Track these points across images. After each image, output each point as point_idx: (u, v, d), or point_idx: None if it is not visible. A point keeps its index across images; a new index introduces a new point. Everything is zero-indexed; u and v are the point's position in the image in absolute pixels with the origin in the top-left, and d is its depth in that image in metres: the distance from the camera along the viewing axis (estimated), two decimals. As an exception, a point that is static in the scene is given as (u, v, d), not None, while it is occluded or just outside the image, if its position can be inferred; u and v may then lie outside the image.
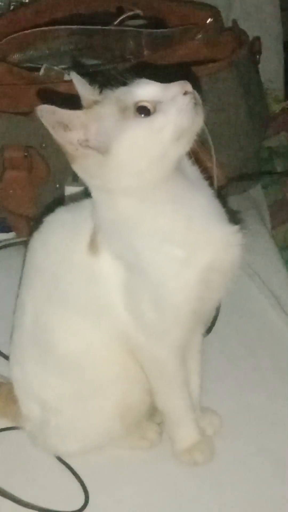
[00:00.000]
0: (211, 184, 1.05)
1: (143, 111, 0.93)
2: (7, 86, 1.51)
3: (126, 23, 1.71)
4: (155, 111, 0.93)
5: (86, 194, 1.03)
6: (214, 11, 1.67)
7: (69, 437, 1.10)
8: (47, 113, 0.93)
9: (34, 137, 1.44)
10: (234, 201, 1.57)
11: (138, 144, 0.93)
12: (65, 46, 1.68)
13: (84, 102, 0.99)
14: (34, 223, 1.42)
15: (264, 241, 1.51)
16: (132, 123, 0.93)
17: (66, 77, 1.54)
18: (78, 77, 1.01)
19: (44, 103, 0.93)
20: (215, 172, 1.22)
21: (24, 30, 1.67)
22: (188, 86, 0.94)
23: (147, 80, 0.96)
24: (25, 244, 1.16)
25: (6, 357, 1.21)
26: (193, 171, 1.03)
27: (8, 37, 1.65)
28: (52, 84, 1.50)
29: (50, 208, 1.10)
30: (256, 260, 1.42)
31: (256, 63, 1.68)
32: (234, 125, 1.54)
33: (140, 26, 1.71)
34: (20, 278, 1.12)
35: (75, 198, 1.14)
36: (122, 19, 1.71)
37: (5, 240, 1.57)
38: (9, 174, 1.48)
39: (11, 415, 1.15)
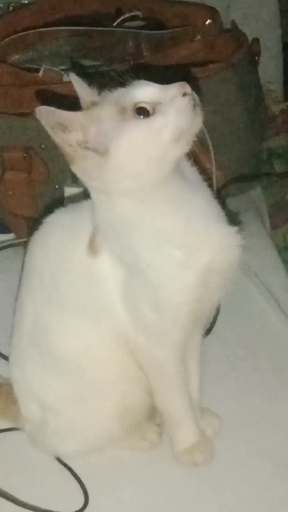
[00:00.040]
0: (210, 185, 1.05)
1: (142, 112, 0.93)
2: (7, 87, 1.51)
3: (125, 25, 1.71)
4: (154, 112, 0.93)
5: (85, 195, 1.03)
6: (213, 12, 1.66)
7: (69, 438, 1.10)
8: (46, 114, 0.93)
9: (34, 138, 1.44)
10: (234, 202, 1.57)
11: (137, 145, 0.93)
12: (64, 47, 1.68)
13: (83, 103, 1.00)
14: (34, 224, 1.41)
15: (263, 242, 1.51)
16: (131, 124, 0.93)
17: (65, 78, 1.54)
18: (77, 78, 1.01)
19: (43, 104, 0.93)
20: (215, 173, 1.23)
21: (24, 31, 1.67)
22: (187, 87, 0.94)
23: (146, 81, 0.96)
24: (25, 245, 1.16)
25: (6, 358, 1.21)
26: (192, 172, 1.03)
27: (8, 38, 1.65)
28: (51, 85, 1.49)
29: (49, 209, 1.10)
30: (256, 261, 1.42)
31: (255, 64, 1.68)
32: (233, 126, 1.54)
33: (139, 28, 1.71)
34: (20, 279, 1.12)
35: (75, 199, 1.14)
36: (121, 20, 1.71)
37: (4, 241, 1.57)
38: (8, 175, 1.48)
39: (11, 416, 1.15)
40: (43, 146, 1.44)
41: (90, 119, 0.95)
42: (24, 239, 1.49)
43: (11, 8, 1.85)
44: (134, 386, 1.07)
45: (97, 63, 1.67)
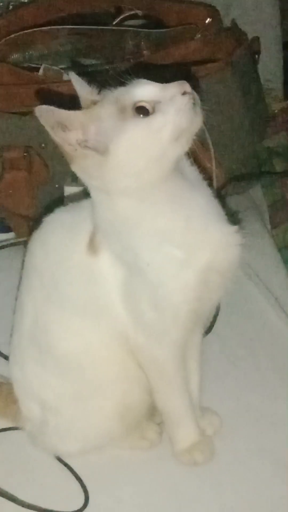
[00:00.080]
0: (210, 184, 1.05)
1: (142, 111, 0.93)
2: (6, 86, 1.51)
3: (125, 23, 1.71)
4: (154, 111, 0.93)
5: (85, 194, 1.03)
6: (213, 11, 1.66)
7: (69, 437, 1.10)
8: (46, 113, 0.93)
9: (34, 138, 1.44)
10: (234, 201, 1.57)
11: (137, 144, 0.93)
12: (64, 46, 1.68)
13: (83, 102, 1.00)
14: (34, 223, 1.41)
15: (263, 241, 1.51)
16: (131, 123, 0.93)
17: (65, 77, 1.54)
18: (77, 77, 1.01)
19: (43, 103, 0.93)
20: (215, 172, 1.23)
21: (23, 30, 1.67)
22: (186, 86, 0.94)
23: (146, 80, 0.96)
24: (25, 244, 1.16)
25: (6, 357, 1.21)
26: (192, 171, 1.03)
27: (7, 37, 1.65)
28: (51, 84, 1.49)
29: (49, 208, 1.10)
30: (256, 260, 1.42)
31: (255, 63, 1.68)
32: (233, 125, 1.54)
33: (139, 26, 1.71)
34: (20, 278, 1.12)
35: (75, 198, 1.14)
36: (121, 19, 1.71)
37: (4, 240, 1.57)
38: (8, 174, 1.48)
39: (11, 416, 1.15)
40: (43, 145, 1.44)
41: (90, 118, 0.95)
42: (24, 238, 1.48)
43: (10, 7, 1.85)
44: (134, 385, 1.07)
45: (97, 62, 1.67)
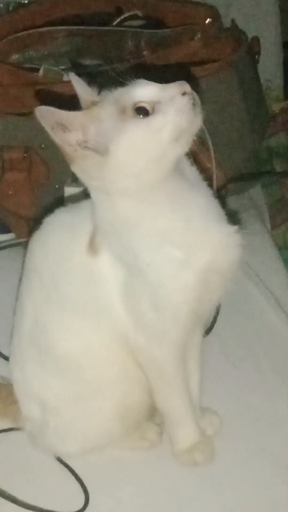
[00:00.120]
0: (210, 185, 1.05)
1: (142, 111, 0.93)
2: (6, 86, 1.51)
3: (125, 24, 1.71)
4: (153, 111, 0.93)
5: (85, 195, 1.03)
6: (213, 11, 1.66)
7: (69, 437, 1.10)
8: (46, 114, 0.93)
9: (34, 138, 1.44)
10: (234, 201, 1.58)
11: (137, 144, 0.93)
12: (64, 47, 1.68)
13: (83, 103, 1.00)
14: (34, 224, 1.41)
15: (263, 241, 1.51)
16: (131, 123, 0.93)
17: (65, 78, 1.54)
18: (77, 78, 1.01)
19: (43, 104, 0.93)
20: (215, 172, 1.23)
21: (23, 31, 1.67)
22: (186, 87, 0.94)
23: (146, 81, 0.96)
24: (25, 245, 1.16)
25: (6, 358, 1.21)
26: (192, 171, 1.03)
27: (7, 38, 1.65)
28: (51, 85, 1.49)
29: (49, 209, 1.10)
30: (256, 260, 1.42)
31: (255, 63, 1.68)
32: (233, 125, 1.54)
33: (139, 27, 1.71)
34: (20, 279, 1.12)
35: (75, 199, 1.14)
36: (121, 19, 1.71)
37: (4, 241, 1.57)
38: (8, 175, 1.48)
39: (11, 416, 1.15)
40: (43, 146, 1.44)
41: (90, 119, 0.95)
42: (24, 239, 1.49)
43: (10, 8, 1.86)
44: (134, 386, 1.07)
45: (97, 62, 1.67)
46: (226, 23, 1.71)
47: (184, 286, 0.99)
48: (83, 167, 0.96)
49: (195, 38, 1.61)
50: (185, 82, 0.94)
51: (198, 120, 0.95)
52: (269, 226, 1.60)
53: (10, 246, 1.55)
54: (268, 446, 1.13)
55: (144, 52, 1.67)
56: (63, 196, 1.43)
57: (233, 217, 1.05)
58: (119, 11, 1.74)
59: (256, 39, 1.68)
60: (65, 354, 1.05)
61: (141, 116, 0.94)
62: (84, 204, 1.04)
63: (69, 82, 1.03)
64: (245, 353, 1.30)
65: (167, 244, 0.98)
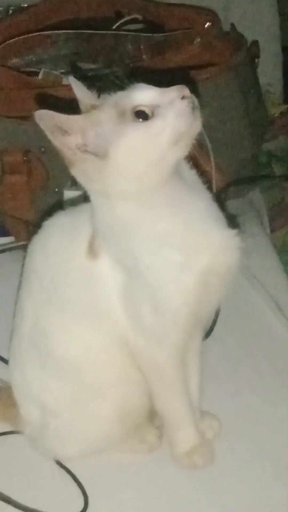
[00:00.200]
0: (209, 188, 1.05)
1: (141, 115, 0.94)
2: (6, 90, 1.51)
3: (125, 28, 1.72)
4: (153, 115, 0.93)
5: (84, 198, 1.03)
6: (212, 15, 1.67)
7: (68, 440, 1.10)
8: (45, 118, 0.93)
9: (33, 142, 1.44)
10: (233, 205, 1.57)
11: (136, 148, 0.93)
12: (64, 51, 1.69)
13: (82, 106, 1.00)
14: (33, 227, 1.42)
15: (263, 245, 1.51)
16: (130, 127, 0.93)
17: (65, 82, 1.54)
18: (77, 81, 1.01)
19: (42, 107, 0.93)
20: (214, 175, 1.23)
21: (23, 35, 1.67)
22: (186, 91, 0.94)
23: (145, 85, 0.97)
24: (24, 248, 1.16)
25: (6, 361, 1.21)
26: (191, 175, 1.03)
27: (7, 42, 1.65)
28: (51, 88, 1.50)
29: (49, 213, 1.10)
30: (255, 264, 1.42)
31: (254, 67, 1.68)
32: (232, 129, 1.54)
33: (138, 31, 1.71)
34: (20, 282, 1.12)
35: (74, 202, 1.14)
36: (120, 23, 1.72)
37: (4, 244, 1.57)
38: (8, 178, 1.48)
39: (11, 419, 1.15)
40: (42, 149, 1.44)
41: (90, 123, 0.95)
42: (24, 242, 1.49)
43: (10, 11, 1.86)
44: (134, 388, 1.07)
45: (97, 66, 1.68)
46: (226, 27, 1.72)
47: (184, 289, 0.99)
48: (83, 170, 0.96)
49: (195, 42, 1.61)
50: (185, 86, 0.95)
51: (197, 123, 0.95)
52: (268, 229, 1.60)
53: (10, 249, 1.55)
54: (267, 449, 1.13)
55: (144, 56, 1.67)
56: (62, 199, 1.44)
57: (232, 221, 1.05)
58: (119, 15, 1.74)
59: (255, 43, 1.69)
60: (65, 356, 1.05)
61: (140, 119, 0.94)
62: (84, 207, 1.04)
63: (68, 85, 1.03)
64: (244, 355, 1.30)
65: (167, 247, 0.98)
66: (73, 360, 1.05)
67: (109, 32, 1.70)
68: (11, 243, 1.57)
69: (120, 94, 0.97)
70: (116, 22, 1.71)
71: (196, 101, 0.95)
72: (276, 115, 1.89)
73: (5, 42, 1.65)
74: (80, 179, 0.99)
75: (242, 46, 1.63)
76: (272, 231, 1.60)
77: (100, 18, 1.75)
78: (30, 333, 1.08)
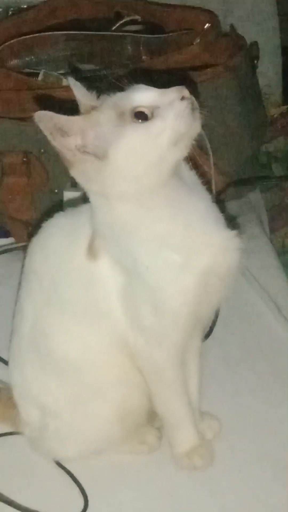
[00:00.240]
0: (209, 189, 1.05)
1: (141, 116, 0.94)
2: (6, 91, 1.51)
3: (124, 29, 1.72)
4: (152, 116, 0.94)
5: (84, 199, 1.03)
6: (211, 16, 1.67)
7: (68, 441, 1.10)
8: (45, 119, 0.93)
9: (33, 143, 1.45)
10: (233, 206, 1.58)
11: (136, 149, 0.94)
12: (63, 52, 1.69)
13: (81, 107, 1.00)
14: (33, 228, 1.42)
15: (262, 246, 1.51)
16: (130, 128, 0.94)
17: (64, 83, 1.54)
18: (76, 82, 1.01)
19: (42, 108, 0.93)
20: (214, 176, 1.23)
21: (23, 36, 1.67)
22: (185, 91, 0.94)
23: (145, 86, 0.97)
24: (24, 249, 1.16)
25: (6, 362, 1.21)
26: (191, 176, 1.03)
27: (7, 43, 1.65)
28: (50, 89, 1.50)
29: (48, 213, 1.10)
30: (255, 265, 1.42)
31: (254, 68, 1.68)
32: (232, 130, 1.55)
33: (138, 32, 1.71)
34: (19, 283, 1.12)
35: (74, 203, 1.14)
36: (120, 24, 1.72)
37: (4, 245, 1.57)
38: (8, 179, 1.48)
39: (11, 420, 1.15)
40: (42, 150, 1.45)
41: (89, 123, 0.95)
42: (24, 243, 1.49)
43: (10, 12, 1.86)
44: (134, 389, 1.07)
45: (96, 67, 1.68)
46: (225, 28, 1.72)
47: (184, 289, 0.99)
48: (82, 171, 0.96)
49: (194, 43, 1.61)
50: (184, 87, 0.95)
51: (197, 124, 0.95)
52: (268, 230, 1.60)
53: (9, 250, 1.55)
54: (267, 450, 1.13)
55: (143, 57, 1.67)
56: (62, 200, 1.44)
57: (232, 222, 1.05)
58: (118, 16, 1.74)
59: (254, 44, 1.69)
60: (65, 356, 1.05)
61: (140, 120, 0.94)
62: (83, 208, 1.05)
63: (68, 86, 1.03)
64: (244, 356, 1.30)
65: (166, 248, 0.98)
66: (73, 361, 1.05)
67: (109, 33, 1.70)
68: (11, 244, 1.57)
69: (119, 95, 0.97)
70: (116, 23, 1.71)
71: (195, 102, 0.95)
72: (275, 116, 1.89)
73: (5, 43, 1.65)
74: (79, 180, 0.99)
75: (242, 47, 1.63)
76: (272, 231, 1.60)
77: (99, 19, 1.75)
78: (30, 334, 1.09)
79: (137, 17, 1.73)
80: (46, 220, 1.09)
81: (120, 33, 1.70)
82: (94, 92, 1.00)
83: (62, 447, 1.11)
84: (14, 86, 1.52)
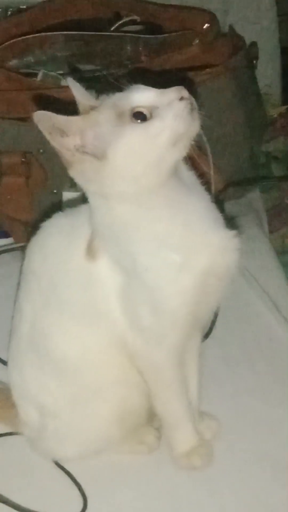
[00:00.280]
0: (208, 189, 1.05)
1: (140, 116, 0.94)
2: (4, 91, 1.51)
3: (123, 29, 1.72)
4: (151, 116, 0.94)
5: (83, 199, 1.03)
6: (210, 16, 1.67)
7: (67, 441, 1.10)
8: (44, 119, 0.93)
9: (32, 143, 1.45)
10: (232, 206, 1.58)
11: (135, 149, 0.94)
12: (62, 52, 1.69)
13: (80, 107, 1.00)
14: (32, 228, 1.42)
15: (262, 246, 1.51)
16: (129, 128, 0.94)
17: (63, 83, 1.54)
18: (75, 82, 1.01)
19: (41, 108, 0.93)
20: (213, 177, 1.23)
21: (22, 36, 1.67)
22: (184, 92, 0.94)
23: (144, 86, 0.97)
24: (23, 249, 1.16)
25: (4, 363, 1.21)
26: (190, 176, 1.03)
27: (6, 43, 1.65)
28: (49, 90, 1.50)
29: (47, 214, 1.10)
30: (254, 265, 1.42)
31: (253, 68, 1.68)
32: (231, 130, 1.55)
33: (137, 32, 1.71)
34: (18, 284, 1.12)
35: (73, 203, 1.14)
36: (119, 25, 1.72)
37: (2, 245, 1.57)
38: (6, 179, 1.48)
39: (10, 421, 1.16)
40: (41, 150, 1.45)
41: (88, 124, 0.95)
42: (22, 244, 1.49)
43: (9, 13, 1.86)
44: (133, 389, 1.07)
45: (95, 67, 1.68)
46: (224, 28, 1.72)
47: (182, 289, 0.99)
48: (81, 171, 0.96)
49: (193, 43, 1.61)
50: (183, 87, 0.95)
51: (195, 125, 0.95)
52: (267, 230, 1.60)
53: (8, 250, 1.55)
54: (266, 449, 1.13)
55: (142, 57, 1.67)
56: (61, 200, 1.44)
57: (231, 222, 1.05)
58: (118, 17, 1.74)
59: (254, 44, 1.69)
60: (64, 357, 1.05)
61: (139, 121, 0.94)
62: (82, 208, 1.05)
63: (67, 87, 1.03)
64: (243, 357, 1.30)
65: (165, 248, 0.98)
66: (72, 361, 1.05)
67: (108, 33, 1.70)
68: (10, 244, 1.57)
69: (118, 95, 0.97)
70: (115, 24, 1.71)
71: (194, 102, 0.95)
72: (275, 116, 1.89)
73: (4, 43, 1.65)
74: (78, 180, 0.99)
75: (241, 47, 1.63)
76: (271, 232, 1.60)
77: (98, 19, 1.75)
78: (29, 334, 1.09)
79: (136, 18, 1.73)
80: (45, 220, 1.09)
81: (119, 34, 1.70)
82: (93, 92, 1.00)
83: (61, 447, 1.11)
84: (13, 86, 1.52)
